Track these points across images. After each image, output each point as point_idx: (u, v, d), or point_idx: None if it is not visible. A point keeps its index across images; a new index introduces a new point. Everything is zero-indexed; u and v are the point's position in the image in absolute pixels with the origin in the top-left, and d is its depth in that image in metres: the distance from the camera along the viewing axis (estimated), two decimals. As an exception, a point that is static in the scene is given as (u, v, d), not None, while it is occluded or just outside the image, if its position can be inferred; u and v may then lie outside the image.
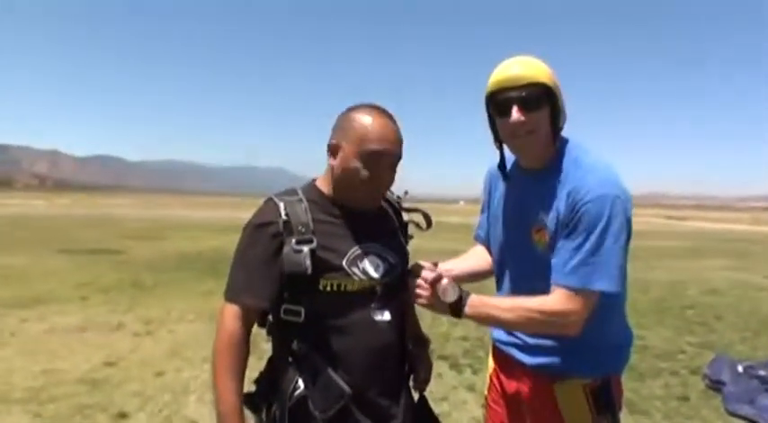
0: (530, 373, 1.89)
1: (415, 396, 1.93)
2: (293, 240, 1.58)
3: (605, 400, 1.82)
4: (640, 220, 55.78)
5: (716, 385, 5.09)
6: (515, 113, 1.69)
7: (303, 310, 1.60)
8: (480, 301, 1.73)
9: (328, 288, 1.61)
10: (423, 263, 1.78)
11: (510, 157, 1.95)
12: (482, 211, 2.20)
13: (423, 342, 2.01)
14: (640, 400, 4.78)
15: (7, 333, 6.54)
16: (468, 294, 1.72)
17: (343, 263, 1.63)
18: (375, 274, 1.67)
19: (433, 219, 1.97)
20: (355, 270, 1.64)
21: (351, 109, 1.70)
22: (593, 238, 1.62)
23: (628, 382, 4.28)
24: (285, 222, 1.60)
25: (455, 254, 2.25)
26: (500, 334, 2.01)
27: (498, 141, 1.88)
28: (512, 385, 1.97)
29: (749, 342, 7.02)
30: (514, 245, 1.90)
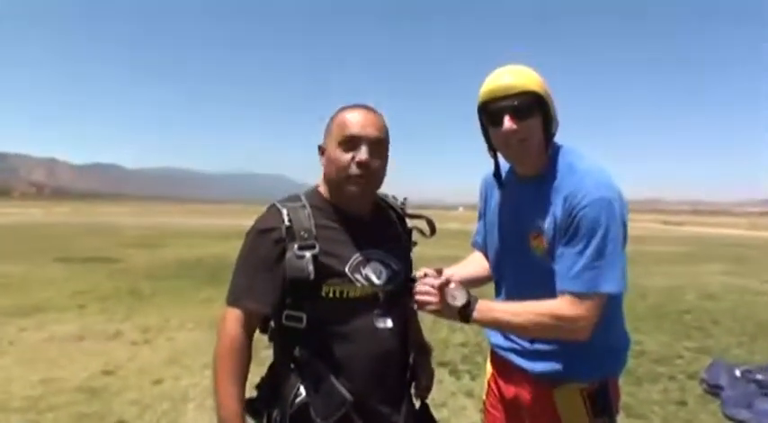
0: (529, 378, 1.89)
1: (417, 403, 1.93)
2: (296, 246, 1.58)
3: (603, 403, 1.84)
4: (638, 225, 55.86)
5: (713, 390, 5.10)
6: (508, 122, 1.71)
7: (305, 317, 1.60)
8: (488, 306, 1.75)
9: (331, 294, 1.61)
10: (427, 270, 1.79)
11: (505, 164, 1.96)
12: (479, 218, 2.22)
13: (425, 349, 2.02)
14: (638, 404, 4.79)
15: (5, 342, 6.52)
16: (475, 299, 1.73)
17: (346, 269, 1.63)
18: (377, 281, 1.68)
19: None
20: (358, 276, 1.65)
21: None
22: (594, 242, 1.64)
23: (626, 387, 4.30)
24: (288, 228, 1.61)
25: (456, 260, 2.26)
26: (498, 339, 2.02)
27: (492, 150, 1.90)
28: (510, 390, 1.98)
29: (746, 346, 7.04)
30: (512, 251, 1.91)
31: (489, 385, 2.15)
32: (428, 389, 1.99)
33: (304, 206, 1.68)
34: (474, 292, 1.80)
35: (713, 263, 18.30)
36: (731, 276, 14.57)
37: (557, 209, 1.72)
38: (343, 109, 1.72)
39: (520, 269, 1.89)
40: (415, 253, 1.95)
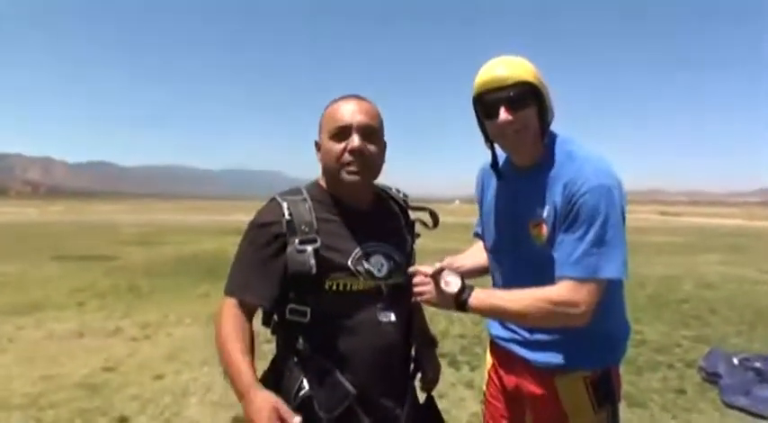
0: (531, 369, 1.89)
1: (423, 396, 1.93)
2: (297, 240, 1.57)
3: (605, 391, 1.84)
4: (637, 216, 56.02)
5: (712, 378, 5.13)
6: (503, 113, 1.70)
7: (309, 311, 1.59)
8: (485, 293, 1.75)
9: (334, 288, 1.60)
10: (420, 268, 1.78)
11: (502, 154, 1.96)
12: (479, 215, 2.22)
13: (430, 342, 2.01)
14: (638, 393, 4.81)
15: (5, 340, 6.52)
16: (471, 287, 1.73)
17: (349, 262, 1.62)
18: (380, 274, 1.67)
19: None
20: (360, 270, 1.64)
21: None
22: (594, 228, 1.63)
23: (625, 376, 4.31)
24: (288, 222, 1.60)
25: (454, 253, 2.25)
26: (499, 330, 2.01)
27: (489, 141, 1.89)
28: (512, 381, 1.98)
29: (744, 335, 7.07)
30: (511, 241, 1.90)
31: (490, 376, 2.15)
32: (434, 381, 1.98)
33: (305, 199, 1.67)
34: (475, 282, 1.80)
35: (711, 253, 18.38)
36: (729, 266, 14.63)
37: (556, 197, 1.71)
38: (332, 101, 1.72)
39: (518, 259, 1.88)
40: (417, 245, 1.94)
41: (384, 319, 1.67)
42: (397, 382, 1.76)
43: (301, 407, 1.56)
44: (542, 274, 1.74)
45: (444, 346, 6.18)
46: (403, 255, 1.78)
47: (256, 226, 1.66)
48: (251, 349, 1.53)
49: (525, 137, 1.75)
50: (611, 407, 1.86)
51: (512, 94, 1.69)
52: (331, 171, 1.67)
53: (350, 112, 1.65)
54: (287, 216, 1.60)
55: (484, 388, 2.21)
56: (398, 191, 1.94)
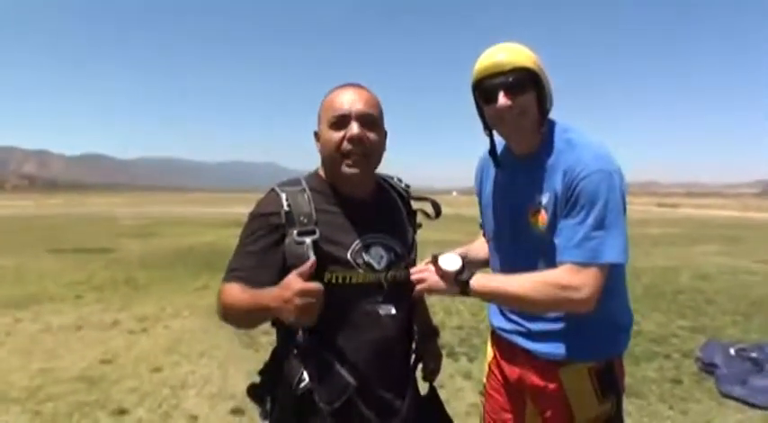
0: (534, 360, 1.88)
1: (425, 387, 1.92)
2: (295, 232, 1.56)
3: (610, 382, 1.84)
4: (634, 208, 56.05)
5: (709, 368, 5.16)
6: (502, 99, 1.70)
7: None
8: (486, 277, 1.74)
9: (333, 281, 1.57)
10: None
11: (500, 144, 1.95)
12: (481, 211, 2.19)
13: (432, 332, 2.01)
14: (635, 382, 4.83)
15: (2, 333, 6.52)
16: (472, 270, 1.72)
17: (348, 255, 1.61)
18: (379, 266, 1.66)
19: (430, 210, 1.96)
20: (360, 262, 1.62)
21: None
22: (594, 212, 1.63)
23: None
24: (287, 213, 1.58)
25: (453, 244, 2.24)
26: (501, 322, 2.00)
27: (488, 129, 1.89)
28: (514, 372, 1.97)
29: (740, 325, 7.11)
30: (511, 229, 1.89)
31: (490, 368, 2.14)
32: (435, 372, 1.98)
33: (304, 190, 1.65)
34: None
35: (707, 244, 18.45)
36: (725, 257, 14.69)
37: (556, 183, 1.71)
38: (331, 91, 1.70)
39: (518, 247, 1.87)
40: (418, 236, 1.93)
41: (384, 312, 1.66)
42: (398, 374, 1.75)
43: (301, 399, 1.56)
44: (543, 261, 1.74)
45: (442, 338, 6.15)
46: (404, 246, 1.77)
47: (255, 216, 1.65)
48: None
49: (524, 122, 1.75)
50: (615, 398, 1.85)
51: (511, 79, 1.69)
52: (330, 161, 1.66)
53: (348, 100, 1.63)
54: (285, 207, 1.59)
55: (484, 380, 2.19)
56: (400, 180, 1.93)
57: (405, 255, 1.76)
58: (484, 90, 1.76)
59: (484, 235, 2.17)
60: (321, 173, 1.75)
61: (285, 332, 1.66)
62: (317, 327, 1.55)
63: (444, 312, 7.26)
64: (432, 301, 1.92)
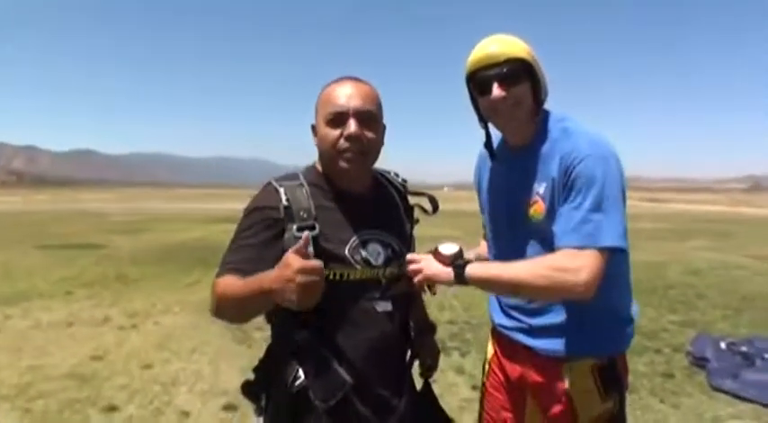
0: (536, 358, 1.85)
1: (420, 383, 1.90)
2: (294, 227, 1.53)
3: (612, 379, 1.80)
4: (621, 203, 56.15)
5: (699, 362, 5.19)
6: (496, 90, 1.69)
7: None
8: (483, 264, 1.72)
9: (330, 277, 1.52)
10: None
11: (496, 138, 1.94)
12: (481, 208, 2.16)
13: (429, 327, 1.98)
14: (626, 378, 4.84)
15: (-8, 330, 6.46)
16: (468, 259, 1.70)
17: (346, 251, 1.59)
18: (377, 262, 1.64)
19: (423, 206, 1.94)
20: (358, 258, 1.60)
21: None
22: (591, 195, 1.60)
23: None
24: (286, 208, 1.55)
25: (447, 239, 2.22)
26: (502, 318, 1.98)
27: (483, 121, 1.87)
28: (516, 371, 1.94)
29: (730, 320, 7.16)
30: (509, 221, 1.87)
31: (491, 367, 2.10)
32: (432, 368, 1.95)
33: (301, 185, 1.62)
34: None
35: (697, 239, 18.58)
36: (714, 252, 14.80)
37: (552, 171, 1.69)
38: (328, 84, 1.67)
39: (516, 238, 1.84)
40: (415, 231, 1.91)
41: (381, 309, 1.64)
42: (395, 371, 1.73)
43: (297, 397, 1.54)
44: (541, 252, 1.72)
45: (434, 333, 6.20)
46: (401, 242, 1.75)
47: (253, 210, 1.61)
48: None
49: (519, 113, 1.73)
50: (618, 396, 1.82)
51: (505, 70, 1.68)
52: (327, 157, 1.63)
53: (346, 96, 1.60)
54: (284, 202, 1.56)
55: (483, 379, 2.15)
56: (397, 175, 1.91)
57: (402, 251, 1.74)
58: (478, 82, 1.74)
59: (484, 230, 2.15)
60: (318, 167, 1.72)
61: (280, 329, 1.64)
62: (314, 323, 1.54)
63: (436, 307, 7.24)
64: (424, 296, 1.91)
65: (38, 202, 53.83)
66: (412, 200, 1.91)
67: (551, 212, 1.69)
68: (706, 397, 4.55)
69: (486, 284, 1.71)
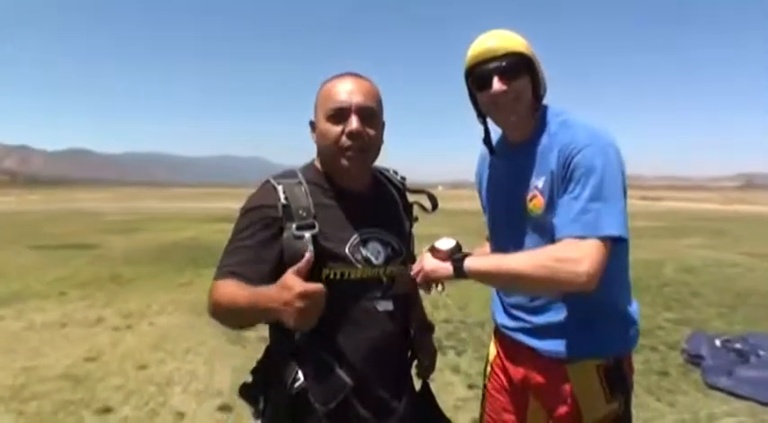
0: (540, 358, 1.82)
1: (419, 384, 1.88)
2: (294, 226, 1.51)
3: (618, 380, 1.78)
4: (616, 201, 56.30)
5: (695, 359, 5.20)
6: (496, 84, 1.68)
7: None
8: (481, 257, 1.70)
9: (331, 277, 1.53)
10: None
11: (495, 136, 1.93)
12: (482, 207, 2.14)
13: (426, 328, 1.96)
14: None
15: (-16, 331, 6.42)
16: (467, 252, 1.68)
17: (346, 250, 1.57)
18: (377, 261, 1.62)
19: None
20: (358, 257, 1.58)
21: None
22: (590, 185, 1.57)
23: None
24: (285, 206, 1.53)
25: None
26: (504, 319, 1.95)
27: (482, 117, 1.86)
28: (519, 372, 1.92)
29: (725, 317, 7.18)
30: (508, 217, 1.85)
31: (492, 369, 2.07)
32: (430, 369, 1.93)
33: (300, 183, 1.60)
34: None
35: (691, 237, 18.63)
36: (709, 249, 14.84)
37: (551, 163, 1.67)
38: (329, 79, 1.65)
39: (515, 234, 1.82)
40: (414, 229, 1.90)
41: (382, 308, 1.62)
42: (395, 372, 1.72)
43: (296, 399, 1.52)
44: (543, 245, 1.68)
45: (430, 332, 6.19)
46: (400, 241, 1.73)
47: (250, 209, 1.59)
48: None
49: (519, 108, 1.72)
50: (623, 397, 1.79)
51: (504, 64, 1.67)
52: (328, 154, 1.61)
53: (347, 91, 1.58)
54: (283, 200, 1.54)
55: (485, 381, 2.13)
56: (396, 173, 1.89)
57: (402, 249, 1.72)
58: (477, 76, 1.73)
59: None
60: (317, 164, 1.70)
61: (279, 329, 1.60)
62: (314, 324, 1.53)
63: (431, 306, 7.24)
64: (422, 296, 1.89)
65: (31, 201, 53.61)
66: (411, 198, 1.89)
67: (550, 206, 1.67)
68: (701, 395, 4.56)
69: (485, 277, 1.68)
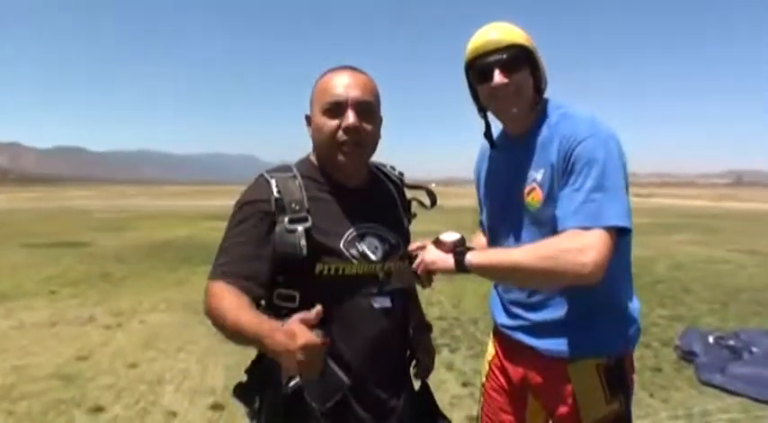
0: (540, 358, 1.79)
1: (417, 384, 1.86)
2: (286, 219, 1.48)
3: (619, 380, 1.75)
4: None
5: (688, 356, 5.21)
6: (498, 76, 1.66)
7: (298, 295, 1.51)
8: (484, 251, 1.68)
9: (325, 272, 1.51)
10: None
11: (495, 129, 1.91)
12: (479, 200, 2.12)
13: (425, 328, 1.94)
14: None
15: (-26, 330, 6.36)
16: (469, 247, 1.66)
17: (341, 245, 1.54)
18: (374, 257, 1.59)
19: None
20: (353, 252, 1.55)
21: None
22: (592, 176, 1.55)
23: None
24: (277, 200, 1.50)
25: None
26: (503, 318, 1.92)
27: (482, 111, 1.84)
28: (518, 372, 1.89)
29: (718, 314, 7.21)
30: (507, 211, 1.82)
31: (491, 368, 2.04)
32: (429, 369, 1.91)
33: (294, 176, 1.58)
34: None
35: (682, 233, 18.73)
36: (700, 246, 14.91)
37: (551, 155, 1.64)
38: (325, 73, 1.62)
39: (515, 230, 1.79)
40: (412, 226, 1.87)
41: (379, 305, 1.59)
42: (393, 371, 1.69)
43: (292, 398, 1.48)
44: (541, 239, 1.64)
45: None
46: (398, 237, 1.70)
47: (243, 205, 1.56)
48: (251, 305, 1.42)
49: (519, 100, 1.70)
50: (624, 397, 1.76)
51: (505, 56, 1.65)
52: (324, 148, 1.59)
53: (344, 85, 1.55)
54: (275, 193, 1.51)
55: (483, 380, 2.10)
56: (393, 168, 1.86)
57: (400, 245, 1.69)
58: (478, 69, 1.71)
59: (483, 232, 2.09)
60: (313, 159, 1.67)
61: None
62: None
63: (425, 303, 7.18)
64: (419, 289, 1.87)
65: (22, 199, 53.30)
66: (409, 194, 1.87)
67: (549, 200, 1.65)
68: (695, 391, 4.56)
69: (487, 271, 1.65)
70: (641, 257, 12.03)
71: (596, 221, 1.51)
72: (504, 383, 1.97)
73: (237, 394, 1.62)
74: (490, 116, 1.85)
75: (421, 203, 1.86)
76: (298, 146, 1.68)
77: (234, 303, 1.40)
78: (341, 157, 1.56)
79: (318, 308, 1.32)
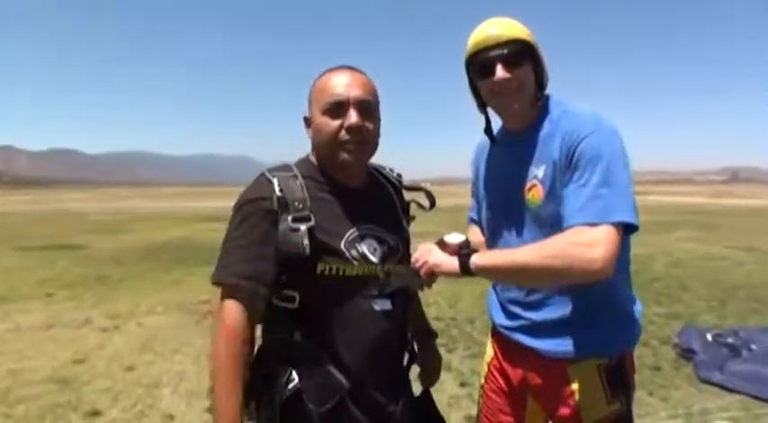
0: (540, 359, 1.76)
1: (419, 389, 1.84)
2: (289, 218, 1.46)
3: (620, 380, 1.73)
4: (603, 196, 56.65)
5: (686, 354, 5.20)
6: (499, 71, 1.63)
7: (298, 296, 1.48)
8: (488, 252, 1.66)
9: (326, 272, 1.49)
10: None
11: (495, 124, 1.88)
12: (472, 195, 2.11)
13: (430, 335, 1.92)
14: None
15: (-31, 334, 6.32)
16: (474, 249, 1.63)
17: (341, 245, 1.52)
18: (373, 258, 1.57)
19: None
20: (354, 253, 1.54)
21: None
22: (598, 171, 1.52)
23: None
24: (279, 198, 1.48)
25: (436, 236, 2.17)
26: (502, 319, 1.89)
27: (482, 106, 1.82)
28: (517, 373, 1.87)
29: (715, 311, 7.20)
30: (507, 209, 1.79)
31: (490, 369, 2.02)
32: (434, 376, 1.90)
33: (295, 176, 1.56)
34: None
35: (679, 230, 18.74)
36: (697, 243, 14.92)
37: (553, 152, 1.62)
38: (323, 73, 1.60)
39: (514, 227, 1.77)
40: (411, 227, 1.85)
41: (379, 308, 1.57)
42: (393, 374, 1.67)
43: (290, 400, 1.47)
44: (541, 240, 1.60)
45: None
46: (397, 238, 1.68)
47: (244, 204, 1.53)
48: (245, 370, 1.45)
49: (521, 96, 1.68)
50: (625, 397, 1.74)
51: (507, 51, 1.63)
52: (325, 149, 1.57)
53: (344, 85, 1.54)
54: (278, 192, 1.49)
55: (482, 381, 2.07)
56: (392, 170, 1.85)
57: (399, 247, 1.68)
58: (479, 64, 1.69)
59: (480, 226, 2.05)
60: (312, 159, 1.65)
61: (272, 327, 1.56)
62: (308, 322, 1.48)
63: (423, 304, 7.18)
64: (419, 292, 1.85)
65: (15, 202, 53.15)
66: (408, 196, 1.85)
67: (551, 196, 1.62)
68: (694, 389, 4.55)
69: (493, 273, 1.63)
70: (639, 255, 12.02)
71: (603, 217, 1.48)
72: (504, 385, 1.95)
73: None
74: (490, 112, 1.82)
75: (420, 205, 1.84)
76: (294, 147, 1.67)
77: (230, 363, 1.42)
78: (344, 156, 1.54)
79: None
